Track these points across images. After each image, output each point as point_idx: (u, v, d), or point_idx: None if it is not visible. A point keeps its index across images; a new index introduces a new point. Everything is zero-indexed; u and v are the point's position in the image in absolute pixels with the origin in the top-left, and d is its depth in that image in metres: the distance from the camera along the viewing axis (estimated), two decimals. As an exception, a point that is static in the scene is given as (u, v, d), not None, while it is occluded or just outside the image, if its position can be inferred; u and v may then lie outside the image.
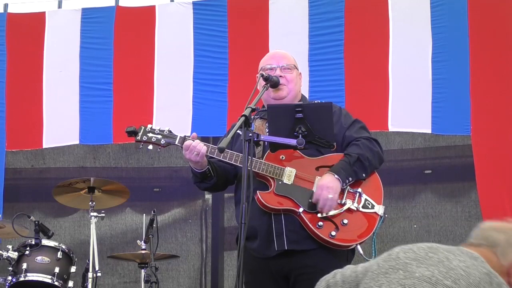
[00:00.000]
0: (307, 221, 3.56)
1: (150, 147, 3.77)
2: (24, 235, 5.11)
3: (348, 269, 2.53)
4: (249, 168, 3.19)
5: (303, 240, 3.57)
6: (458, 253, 2.27)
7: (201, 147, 3.60)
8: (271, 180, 3.62)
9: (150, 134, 3.76)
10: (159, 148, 3.78)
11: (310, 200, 3.58)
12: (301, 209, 3.57)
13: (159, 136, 3.75)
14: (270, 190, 3.61)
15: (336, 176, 3.58)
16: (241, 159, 3.49)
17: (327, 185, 3.55)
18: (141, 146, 3.80)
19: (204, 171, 3.70)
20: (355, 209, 3.61)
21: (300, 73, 3.95)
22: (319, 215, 3.57)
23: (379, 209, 3.63)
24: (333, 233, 3.55)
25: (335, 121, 3.68)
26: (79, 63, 6.34)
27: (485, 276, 2.20)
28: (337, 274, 2.54)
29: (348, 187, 3.63)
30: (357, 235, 3.57)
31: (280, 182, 3.61)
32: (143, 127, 3.78)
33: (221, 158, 3.64)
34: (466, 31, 5.78)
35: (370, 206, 3.63)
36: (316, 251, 3.58)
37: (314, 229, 3.55)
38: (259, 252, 3.64)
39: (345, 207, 3.60)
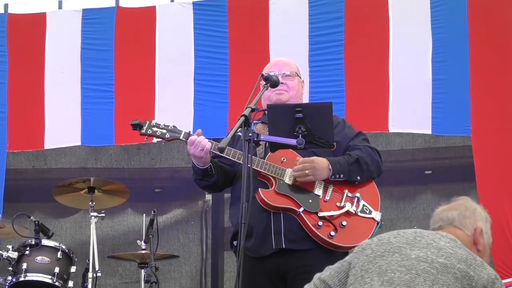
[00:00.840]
0: (306, 221, 3.58)
1: (154, 140, 3.78)
2: (24, 235, 5.11)
3: (332, 265, 2.64)
4: (249, 166, 3.20)
5: (301, 240, 3.58)
6: (439, 236, 2.54)
7: (206, 142, 3.62)
8: (272, 180, 3.64)
9: (155, 128, 3.76)
10: (164, 142, 3.79)
11: (310, 200, 3.61)
12: (301, 209, 3.59)
13: (164, 131, 3.75)
14: (271, 189, 3.63)
15: (330, 166, 3.61)
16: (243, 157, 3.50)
17: (314, 165, 3.59)
18: (145, 140, 3.81)
19: (206, 168, 3.71)
20: (354, 212, 3.64)
21: (303, 81, 3.99)
22: (319, 214, 3.58)
23: (376, 215, 3.67)
24: (332, 233, 3.57)
25: (339, 130, 3.74)
26: (80, 64, 6.34)
27: (469, 255, 2.45)
28: (322, 274, 2.63)
29: (347, 192, 3.66)
30: (355, 237, 3.57)
31: (281, 182, 3.63)
32: (148, 121, 3.78)
33: (224, 155, 3.65)
34: (466, 31, 5.77)
35: (367, 212, 3.66)
36: (314, 251, 3.59)
37: (313, 229, 3.57)
38: (253, 251, 3.64)
39: (344, 209, 3.62)
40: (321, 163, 3.62)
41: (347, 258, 2.63)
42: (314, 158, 3.62)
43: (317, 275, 2.63)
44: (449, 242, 2.50)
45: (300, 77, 3.95)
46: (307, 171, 3.59)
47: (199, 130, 3.73)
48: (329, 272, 2.60)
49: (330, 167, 3.61)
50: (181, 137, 3.71)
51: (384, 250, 2.50)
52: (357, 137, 3.82)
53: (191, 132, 3.72)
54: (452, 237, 2.54)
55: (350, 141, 3.77)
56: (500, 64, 5.73)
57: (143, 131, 3.77)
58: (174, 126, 3.77)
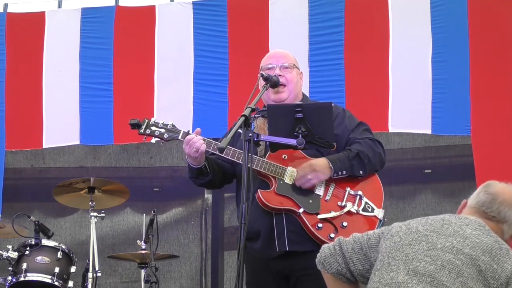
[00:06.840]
0: (306, 222, 3.56)
1: (153, 140, 3.76)
2: (24, 235, 5.12)
3: (366, 234, 2.78)
4: (249, 166, 3.19)
5: (304, 241, 3.57)
6: (468, 222, 2.61)
7: (200, 144, 3.59)
8: (272, 179, 3.62)
9: (153, 128, 3.74)
10: (162, 142, 3.77)
11: (310, 201, 3.59)
12: (301, 210, 3.57)
13: (163, 130, 3.73)
14: (271, 189, 3.61)
15: (330, 164, 3.59)
16: (243, 157, 3.49)
17: (314, 167, 3.57)
18: (144, 139, 3.79)
19: (200, 167, 3.68)
20: (355, 212, 3.61)
21: (301, 72, 3.93)
22: (319, 216, 3.57)
23: (379, 212, 3.64)
24: (332, 235, 3.54)
25: (339, 122, 3.69)
26: (79, 63, 6.34)
27: (495, 244, 2.54)
28: (356, 238, 2.76)
29: (349, 189, 3.64)
30: None
31: (281, 182, 3.61)
32: (146, 120, 3.76)
33: (223, 155, 3.64)
34: (466, 31, 5.78)
35: (370, 210, 3.63)
36: (317, 253, 3.57)
37: (313, 230, 3.55)
38: (261, 253, 3.64)
39: (345, 210, 3.60)
40: (321, 163, 3.60)
41: (376, 235, 2.72)
42: (312, 161, 3.60)
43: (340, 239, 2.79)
44: (476, 229, 2.57)
45: (299, 69, 3.90)
46: (309, 176, 3.58)
47: (198, 129, 3.71)
48: (351, 246, 2.75)
49: (330, 165, 3.59)
50: (179, 137, 3.70)
51: (412, 239, 2.59)
52: (358, 128, 3.77)
53: (190, 131, 3.70)
54: (482, 223, 2.61)
55: (350, 133, 3.73)
56: (500, 64, 5.74)
57: (142, 130, 3.75)
58: (173, 125, 3.75)
